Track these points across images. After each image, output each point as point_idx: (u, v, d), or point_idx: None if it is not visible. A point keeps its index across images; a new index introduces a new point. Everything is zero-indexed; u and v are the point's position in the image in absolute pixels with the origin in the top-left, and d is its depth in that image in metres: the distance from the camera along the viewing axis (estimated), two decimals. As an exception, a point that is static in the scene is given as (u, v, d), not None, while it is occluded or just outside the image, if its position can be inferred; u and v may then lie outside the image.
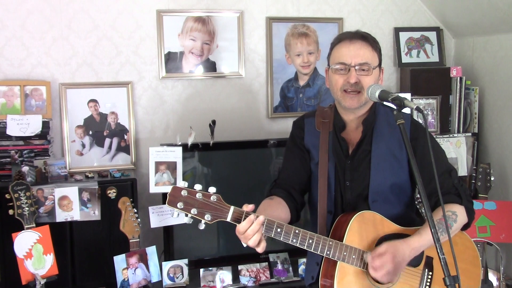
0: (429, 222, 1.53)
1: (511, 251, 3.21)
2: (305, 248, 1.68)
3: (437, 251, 1.50)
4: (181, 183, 1.57)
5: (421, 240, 1.76)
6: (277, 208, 1.81)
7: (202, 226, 1.57)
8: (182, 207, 1.54)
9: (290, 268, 2.99)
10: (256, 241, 1.57)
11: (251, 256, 2.93)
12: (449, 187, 1.87)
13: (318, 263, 1.86)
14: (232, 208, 1.58)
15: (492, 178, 3.01)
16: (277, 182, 1.99)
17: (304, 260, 2.98)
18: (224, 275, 2.89)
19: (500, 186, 3.23)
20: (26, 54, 2.98)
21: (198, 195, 1.55)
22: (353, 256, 1.73)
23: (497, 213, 2.97)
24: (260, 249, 1.61)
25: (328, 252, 1.70)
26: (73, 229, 2.78)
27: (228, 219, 1.58)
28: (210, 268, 2.91)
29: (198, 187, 1.56)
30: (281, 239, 1.64)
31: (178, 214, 1.57)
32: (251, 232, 1.56)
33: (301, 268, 2.98)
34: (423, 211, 2.85)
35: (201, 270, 2.90)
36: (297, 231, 1.65)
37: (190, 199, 1.55)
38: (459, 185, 1.89)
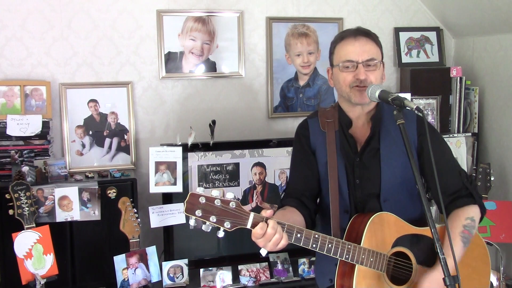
0: (430, 223, 1.54)
1: (511, 251, 3.21)
2: (324, 252, 1.66)
3: (437, 251, 1.51)
4: (198, 189, 1.50)
5: (450, 261, 1.67)
6: (291, 217, 1.78)
7: (221, 234, 1.50)
8: (200, 215, 1.47)
9: (290, 268, 2.99)
10: (278, 239, 1.53)
11: (251, 256, 2.92)
12: (460, 186, 1.86)
13: (336, 265, 1.83)
14: (252, 214, 1.52)
15: (492, 178, 3.00)
16: (286, 192, 1.97)
17: (304, 260, 2.98)
18: (224, 275, 2.89)
19: (500, 186, 3.23)
20: (26, 54, 2.98)
21: (217, 202, 1.48)
22: (371, 259, 1.72)
23: (497, 213, 2.96)
24: (284, 241, 1.56)
25: (347, 256, 1.69)
26: (73, 229, 2.78)
27: (249, 226, 1.52)
28: (210, 268, 2.90)
29: (215, 193, 1.50)
30: (301, 244, 1.61)
31: (196, 222, 1.49)
32: (272, 230, 1.51)
33: (301, 268, 2.98)
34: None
35: (201, 270, 2.90)
36: (316, 235, 1.63)
37: (209, 206, 1.47)
38: (468, 183, 1.88)
